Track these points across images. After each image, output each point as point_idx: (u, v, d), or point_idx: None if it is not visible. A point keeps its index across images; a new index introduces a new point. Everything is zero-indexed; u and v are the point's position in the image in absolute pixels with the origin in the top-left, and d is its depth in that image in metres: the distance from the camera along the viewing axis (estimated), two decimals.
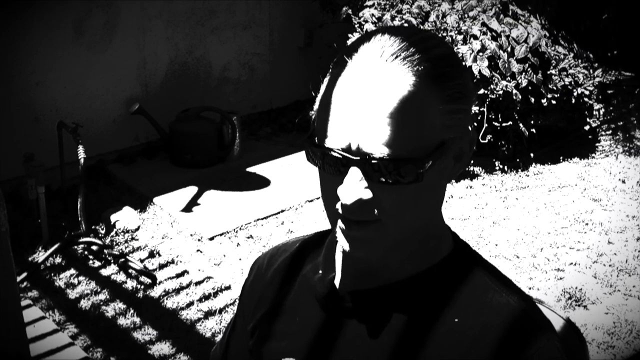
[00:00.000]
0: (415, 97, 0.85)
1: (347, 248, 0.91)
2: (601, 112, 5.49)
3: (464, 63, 4.61)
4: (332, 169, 0.88)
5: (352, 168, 0.86)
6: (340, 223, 0.91)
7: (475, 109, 4.64)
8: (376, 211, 0.88)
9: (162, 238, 4.09)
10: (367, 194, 0.87)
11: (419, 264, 0.96)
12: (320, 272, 1.03)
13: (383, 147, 0.85)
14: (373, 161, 0.85)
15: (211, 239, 4.08)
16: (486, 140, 4.73)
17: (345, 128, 0.86)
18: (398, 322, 0.94)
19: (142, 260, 3.82)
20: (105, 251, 3.83)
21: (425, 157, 0.86)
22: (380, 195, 0.87)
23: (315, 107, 0.93)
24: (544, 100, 4.85)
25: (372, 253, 0.91)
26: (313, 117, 0.93)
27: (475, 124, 4.71)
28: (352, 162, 0.86)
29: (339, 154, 0.86)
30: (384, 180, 0.86)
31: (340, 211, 0.89)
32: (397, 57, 0.86)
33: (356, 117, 0.85)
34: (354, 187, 0.86)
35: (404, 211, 0.89)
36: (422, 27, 4.76)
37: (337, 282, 1.01)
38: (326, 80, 0.91)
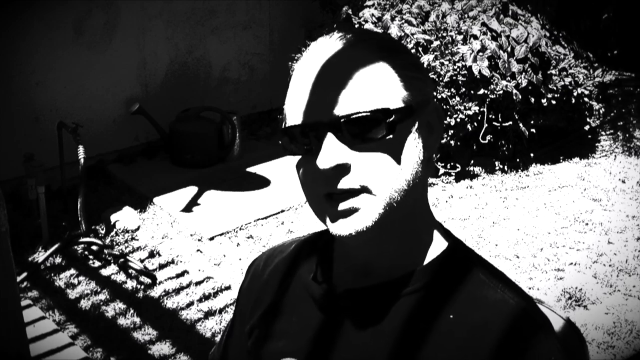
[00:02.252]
0: (368, 62, 0.91)
1: (338, 230, 0.92)
2: (601, 112, 5.49)
3: (464, 63, 4.61)
4: (308, 146, 0.91)
5: (327, 136, 0.89)
6: (327, 206, 0.92)
7: (475, 109, 4.64)
8: (359, 178, 0.89)
9: (162, 238, 4.09)
10: (345, 158, 0.89)
11: (414, 262, 0.97)
12: (316, 272, 1.04)
13: (348, 107, 0.89)
14: (342, 120, 0.88)
15: (211, 239, 4.08)
16: (486, 141, 4.73)
17: (310, 102, 0.90)
18: (395, 320, 0.95)
19: (142, 260, 3.82)
20: (105, 251, 3.83)
21: (391, 110, 0.90)
22: (359, 159, 0.90)
23: (284, 106, 0.97)
24: (544, 100, 4.85)
25: (363, 224, 0.91)
26: (282, 115, 0.97)
27: (475, 124, 4.71)
28: (324, 128, 0.89)
29: (310, 124, 0.90)
30: (357, 138, 0.89)
31: (324, 191, 0.91)
32: (355, 39, 0.93)
33: (318, 89, 0.90)
34: (331, 152, 0.89)
35: (385, 173, 0.90)
36: (422, 27, 4.76)
37: (332, 281, 1.02)
38: (290, 79, 0.96)
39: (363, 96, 0.89)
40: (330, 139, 0.89)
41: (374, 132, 0.89)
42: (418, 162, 0.94)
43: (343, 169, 0.89)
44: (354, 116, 0.88)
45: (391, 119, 0.89)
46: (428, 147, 0.95)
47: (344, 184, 0.89)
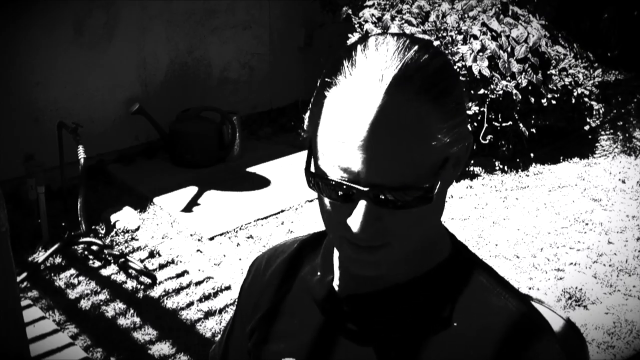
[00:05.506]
0: (419, 122, 0.84)
1: (358, 271, 0.91)
2: (601, 112, 5.49)
3: (464, 63, 4.61)
4: (340, 198, 0.86)
5: (361, 201, 0.84)
6: (347, 248, 0.89)
7: (475, 109, 4.64)
8: (385, 235, 0.87)
9: (162, 238, 4.09)
10: (378, 222, 0.86)
11: (418, 267, 0.96)
12: (319, 274, 1.03)
13: (392, 176, 0.83)
14: (383, 191, 0.83)
15: (211, 239, 4.08)
16: (486, 141, 4.73)
17: (351, 158, 0.84)
18: (397, 326, 0.94)
19: (142, 260, 3.82)
20: (105, 251, 3.83)
21: (433, 178, 0.85)
22: (390, 219, 0.86)
23: (308, 126, 0.90)
24: (544, 100, 4.85)
25: (381, 272, 0.91)
26: (308, 138, 0.90)
27: (475, 124, 4.71)
28: (362, 194, 0.84)
29: (347, 185, 0.84)
30: (394, 206, 0.85)
31: (349, 238, 0.88)
32: (397, 79, 0.84)
33: (362, 147, 0.83)
34: (364, 218, 0.84)
35: (412, 231, 0.88)
36: (422, 27, 4.76)
37: (335, 284, 1.01)
38: (320, 99, 0.88)
39: (407, 164, 0.83)
40: (363, 203, 0.84)
41: (413, 202, 0.85)
42: (441, 201, 0.92)
43: (373, 231, 0.86)
44: (395, 188, 0.83)
45: (433, 192, 0.85)
46: (451, 181, 0.93)
47: (369, 241, 0.87)
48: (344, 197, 0.85)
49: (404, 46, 0.87)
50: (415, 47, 0.87)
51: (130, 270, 3.71)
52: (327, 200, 0.89)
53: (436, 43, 4.66)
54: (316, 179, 0.88)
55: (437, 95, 0.85)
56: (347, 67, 0.86)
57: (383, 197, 0.84)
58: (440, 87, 0.86)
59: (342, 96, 0.85)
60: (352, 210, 0.85)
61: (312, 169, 0.90)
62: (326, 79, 0.88)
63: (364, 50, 0.87)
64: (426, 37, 4.68)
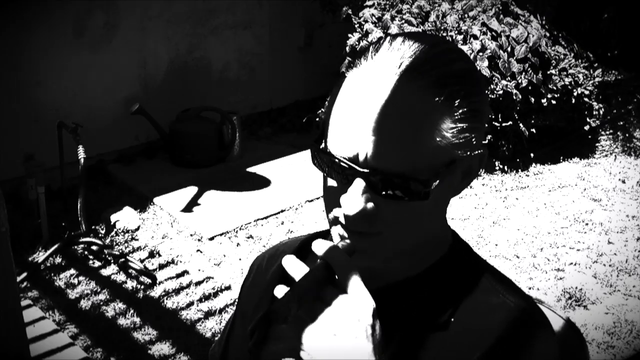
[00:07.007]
0: (429, 116, 0.84)
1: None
2: (601, 112, 5.49)
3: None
4: (338, 177, 0.88)
5: (358, 179, 0.85)
6: (340, 230, 0.90)
7: None
8: (377, 224, 0.87)
9: (162, 238, 4.09)
10: (370, 207, 0.86)
11: (418, 265, 0.96)
12: None
13: (392, 163, 0.84)
14: (380, 176, 0.84)
15: (211, 239, 4.08)
16: (486, 141, 4.73)
17: (355, 138, 0.85)
18: (396, 324, 0.94)
19: (142, 260, 3.82)
20: (105, 251, 3.83)
21: (433, 176, 0.85)
22: (383, 208, 0.86)
23: (327, 106, 0.92)
24: (544, 100, 4.85)
25: (370, 262, 0.91)
26: (323, 117, 0.93)
27: None
28: (359, 174, 0.85)
29: (347, 164, 0.85)
30: (389, 194, 0.85)
31: (341, 219, 0.89)
32: (415, 71, 0.85)
33: (367, 129, 0.84)
34: (357, 199, 0.85)
35: (406, 226, 0.88)
36: (422, 27, 4.76)
37: None
38: (341, 79, 0.90)
39: (408, 154, 0.84)
40: (359, 184, 0.85)
41: (408, 194, 0.85)
42: (444, 206, 0.92)
43: (365, 215, 0.86)
44: (392, 175, 0.84)
45: (430, 188, 0.85)
46: (459, 189, 0.93)
47: (361, 226, 0.87)
48: (343, 177, 0.87)
49: (433, 42, 0.88)
50: (443, 47, 0.88)
51: (130, 270, 3.71)
52: (329, 180, 0.90)
53: None
54: (320, 154, 0.89)
55: (451, 94, 0.85)
56: (372, 51, 0.88)
57: (379, 183, 0.84)
58: (457, 88, 0.86)
59: (359, 77, 0.87)
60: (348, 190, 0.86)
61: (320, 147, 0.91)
62: (350, 61, 0.90)
63: (392, 40, 0.88)
64: None
